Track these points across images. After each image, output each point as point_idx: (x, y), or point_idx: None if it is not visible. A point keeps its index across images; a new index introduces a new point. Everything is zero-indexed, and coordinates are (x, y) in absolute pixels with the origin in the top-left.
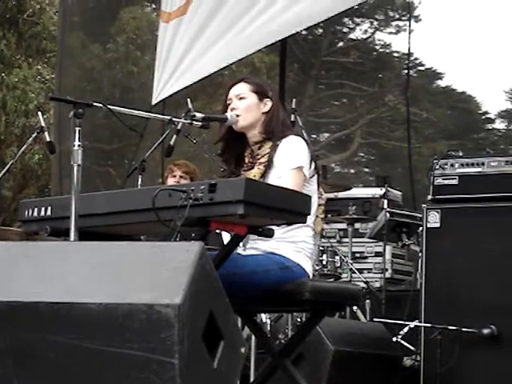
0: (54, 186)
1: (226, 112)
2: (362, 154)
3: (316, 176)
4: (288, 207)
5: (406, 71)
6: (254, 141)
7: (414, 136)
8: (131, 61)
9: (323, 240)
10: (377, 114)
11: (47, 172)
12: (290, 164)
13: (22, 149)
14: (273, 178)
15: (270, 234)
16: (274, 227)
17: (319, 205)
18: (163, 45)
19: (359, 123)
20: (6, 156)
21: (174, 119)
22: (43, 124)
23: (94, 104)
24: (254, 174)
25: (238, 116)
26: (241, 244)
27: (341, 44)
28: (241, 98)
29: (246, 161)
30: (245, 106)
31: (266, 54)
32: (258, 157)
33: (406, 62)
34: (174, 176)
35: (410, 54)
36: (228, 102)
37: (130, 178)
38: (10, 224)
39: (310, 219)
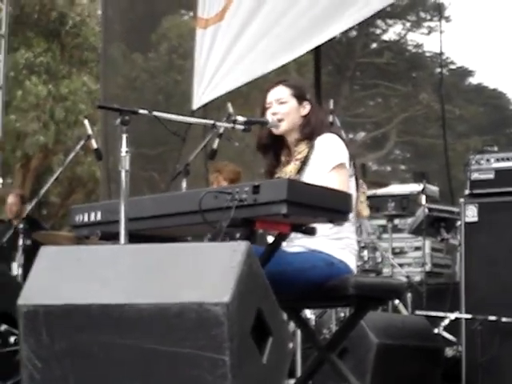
0: (102, 191)
1: (264, 114)
2: (398, 152)
3: (354, 175)
4: (330, 206)
5: (438, 70)
6: (292, 141)
7: (447, 132)
8: (175, 69)
9: (363, 236)
10: (411, 113)
11: (93, 179)
12: (331, 163)
13: (70, 157)
14: (309, 175)
15: (312, 232)
16: (316, 225)
17: (362, 192)
18: (201, 51)
19: (394, 122)
20: (53, 163)
21: (216, 123)
22: (90, 132)
23: (140, 111)
24: (291, 169)
25: (279, 121)
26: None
27: (374, 45)
28: (281, 103)
29: (283, 159)
30: (286, 111)
31: None
32: (295, 154)
33: (439, 61)
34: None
35: (441, 54)
36: (267, 106)
37: (175, 181)
38: (58, 229)
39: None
